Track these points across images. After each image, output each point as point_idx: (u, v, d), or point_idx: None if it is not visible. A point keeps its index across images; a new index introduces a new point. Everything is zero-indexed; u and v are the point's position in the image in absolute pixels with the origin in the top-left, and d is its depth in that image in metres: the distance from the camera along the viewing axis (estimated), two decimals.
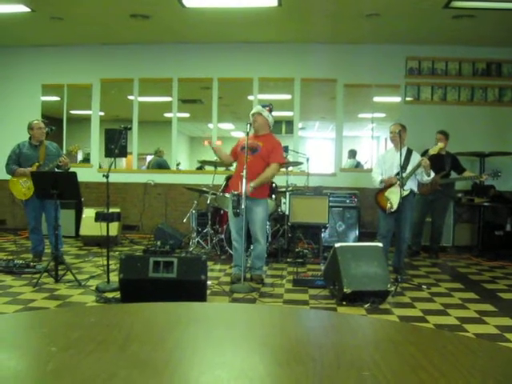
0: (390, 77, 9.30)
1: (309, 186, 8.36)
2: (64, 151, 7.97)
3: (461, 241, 8.78)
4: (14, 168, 6.58)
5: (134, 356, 1.44)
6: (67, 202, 7.33)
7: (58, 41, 9.56)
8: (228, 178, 7.35)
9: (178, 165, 10.35)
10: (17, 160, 6.63)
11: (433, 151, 6.18)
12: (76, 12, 7.96)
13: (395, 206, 6.14)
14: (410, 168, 6.16)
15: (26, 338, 1.67)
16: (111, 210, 5.87)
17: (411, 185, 6.23)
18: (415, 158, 6.24)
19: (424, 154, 6.44)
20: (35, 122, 6.77)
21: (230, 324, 1.86)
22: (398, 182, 6.06)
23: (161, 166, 10.26)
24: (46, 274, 5.67)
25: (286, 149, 8.26)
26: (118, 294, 4.90)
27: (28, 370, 1.38)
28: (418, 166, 6.07)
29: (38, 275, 5.66)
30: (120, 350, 1.49)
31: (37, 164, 6.54)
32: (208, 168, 9.32)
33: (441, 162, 7.42)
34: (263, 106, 6.02)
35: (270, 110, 5.97)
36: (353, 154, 10.26)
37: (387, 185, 6.33)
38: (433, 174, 6.30)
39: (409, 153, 6.30)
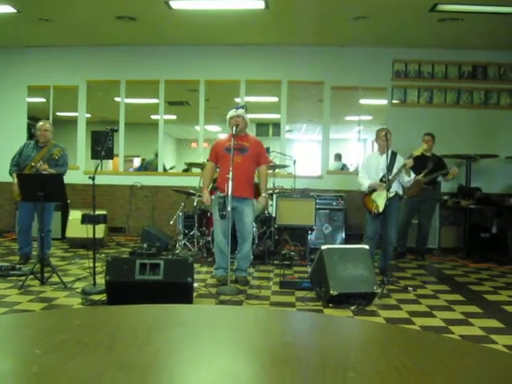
0: (377, 79, 9.33)
1: (295, 188, 8.37)
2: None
3: (447, 243, 8.83)
4: (12, 170, 6.53)
5: (119, 358, 1.44)
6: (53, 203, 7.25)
7: (44, 42, 9.48)
8: (215, 180, 7.32)
9: (171, 168, 10.33)
10: (18, 159, 6.58)
11: (416, 152, 6.22)
12: (63, 13, 7.91)
13: (381, 209, 6.18)
14: (394, 170, 6.20)
15: (10, 340, 1.65)
16: (97, 212, 5.82)
17: (396, 187, 6.26)
18: (400, 160, 6.28)
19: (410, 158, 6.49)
20: (40, 123, 6.69)
21: (216, 326, 1.86)
22: (384, 185, 6.10)
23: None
24: (31, 276, 5.61)
25: (267, 150, 8.30)
26: (104, 297, 4.88)
27: (12, 372, 1.36)
28: (403, 167, 6.11)
29: (23, 277, 5.59)
30: (106, 352, 1.48)
31: (29, 165, 6.47)
32: (195, 170, 9.29)
33: (424, 163, 7.46)
34: (240, 108, 6.02)
35: (246, 110, 6.03)
36: (338, 157, 10.30)
37: (372, 188, 6.36)
38: (413, 175, 6.34)
39: (393, 155, 6.32)
